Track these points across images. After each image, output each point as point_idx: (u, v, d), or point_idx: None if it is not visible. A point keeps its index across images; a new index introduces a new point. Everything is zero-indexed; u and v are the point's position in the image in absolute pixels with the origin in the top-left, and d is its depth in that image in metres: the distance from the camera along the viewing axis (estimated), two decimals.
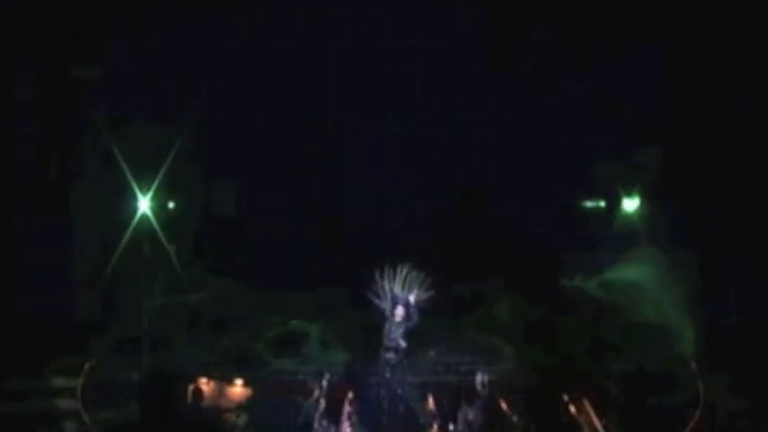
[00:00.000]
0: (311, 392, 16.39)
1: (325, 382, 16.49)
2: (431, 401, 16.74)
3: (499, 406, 16.68)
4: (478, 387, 16.47)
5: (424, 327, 16.86)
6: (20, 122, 18.10)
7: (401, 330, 16.56)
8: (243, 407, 17.48)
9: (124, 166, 18.36)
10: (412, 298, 16.57)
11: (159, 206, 18.74)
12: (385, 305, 16.69)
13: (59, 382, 17.35)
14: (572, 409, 16.96)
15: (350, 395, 16.59)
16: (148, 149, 18.27)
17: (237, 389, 17.83)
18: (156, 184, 18.47)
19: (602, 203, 18.89)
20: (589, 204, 19.00)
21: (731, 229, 17.74)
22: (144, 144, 18.21)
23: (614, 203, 18.61)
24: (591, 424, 16.70)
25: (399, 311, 16.58)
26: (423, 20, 18.33)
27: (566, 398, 17.09)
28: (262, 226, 18.86)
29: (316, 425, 16.08)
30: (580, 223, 18.77)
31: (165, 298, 18.50)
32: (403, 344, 16.51)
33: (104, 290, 18.18)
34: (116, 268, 18.36)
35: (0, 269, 17.86)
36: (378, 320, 16.76)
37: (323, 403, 16.30)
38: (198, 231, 19.04)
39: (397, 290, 16.64)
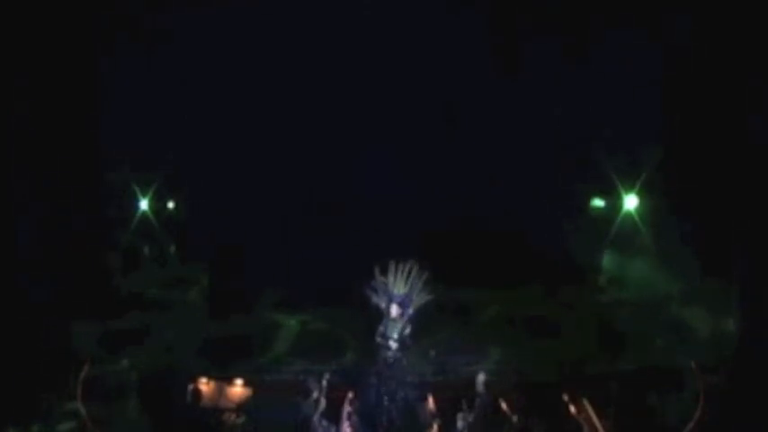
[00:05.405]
0: (311, 392, 16.37)
1: (324, 382, 16.46)
2: (431, 401, 16.73)
3: (499, 406, 16.68)
4: (478, 387, 16.46)
5: (423, 327, 16.91)
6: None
7: (396, 329, 16.58)
8: (243, 407, 17.52)
9: (124, 165, 18.52)
10: (412, 295, 16.61)
11: (159, 205, 18.87)
12: (381, 302, 16.71)
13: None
14: (572, 409, 16.96)
15: (350, 395, 16.58)
16: (147, 149, 18.37)
17: (237, 389, 17.87)
18: (155, 184, 18.64)
19: (603, 202, 18.86)
20: (589, 203, 18.97)
21: (732, 227, 17.71)
22: (143, 143, 18.29)
23: (615, 202, 18.58)
24: (591, 424, 16.71)
25: (394, 309, 16.59)
26: (422, 20, 18.34)
27: (566, 398, 17.10)
28: (262, 223, 18.87)
29: (315, 425, 16.07)
30: (581, 222, 18.75)
31: (163, 294, 18.55)
32: (394, 344, 16.51)
33: (104, 288, 18.23)
34: (115, 266, 18.46)
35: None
36: (375, 318, 16.82)
37: (323, 403, 16.28)
38: (198, 230, 19.08)
39: (395, 287, 16.65)
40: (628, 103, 17.77)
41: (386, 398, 16.43)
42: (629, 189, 18.32)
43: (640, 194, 18.31)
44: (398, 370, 16.60)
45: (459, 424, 16.24)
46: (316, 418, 16.10)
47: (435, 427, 16.30)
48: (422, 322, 16.83)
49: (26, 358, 17.25)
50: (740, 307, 17.36)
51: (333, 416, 16.25)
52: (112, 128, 18.35)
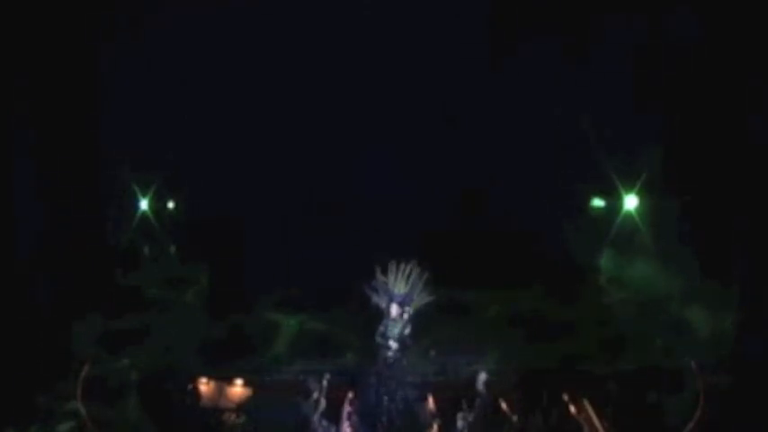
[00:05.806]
0: (311, 392, 16.37)
1: (324, 382, 16.47)
2: (431, 401, 16.73)
3: (499, 406, 16.69)
4: (478, 387, 16.46)
5: (423, 327, 16.91)
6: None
7: (396, 329, 16.58)
8: (243, 407, 17.52)
9: (124, 165, 18.54)
10: (412, 295, 16.62)
11: (159, 205, 18.90)
12: (381, 302, 16.72)
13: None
14: (572, 409, 16.97)
15: (350, 395, 16.59)
16: (147, 149, 18.38)
17: (237, 389, 17.86)
18: (155, 184, 18.67)
19: (603, 202, 18.86)
20: (589, 203, 18.97)
21: (732, 227, 17.71)
22: (143, 143, 18.31)
23: (615, 202, 18.58)
24: (591, 424, 16.71)
25: (394, 309, 16.60)
26: (422, 20, 18.34)
27: (566, 398, 17.10)
28: (262, 223, 18.88)
29: (315, 425, 16.08)
30: (581, 222, 18.74)
31: (162, 294, 18.56)
32: (394, 344, 16.51)
33: (104, 288, 18.24)
34: (116, 265, 18.48)
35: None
36: (375, 318, 16.82)
37: (323, 403, 16.29)
38: (198, 230, 19.08)
39: (395, 287, 16.65)
40: (628, 103, 17.77)
41: (386, 398, 16.44)
42: (629, 189, 18.32)
43: (640, 194, 18.30)
44: (398, 370, 16.61)
45: (459, 424, 16.24)
46: (316, 418, 16.11)
47: (435, 427, 16.31)
48: (422, 322, 16.82)
49: (26, 358, 17.25)
50: (740, 307, 17.35)
51: (333, 416, 16.27)
52: (112, 128, 18.37)
